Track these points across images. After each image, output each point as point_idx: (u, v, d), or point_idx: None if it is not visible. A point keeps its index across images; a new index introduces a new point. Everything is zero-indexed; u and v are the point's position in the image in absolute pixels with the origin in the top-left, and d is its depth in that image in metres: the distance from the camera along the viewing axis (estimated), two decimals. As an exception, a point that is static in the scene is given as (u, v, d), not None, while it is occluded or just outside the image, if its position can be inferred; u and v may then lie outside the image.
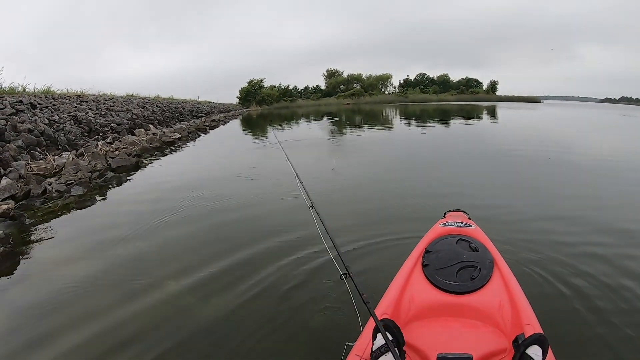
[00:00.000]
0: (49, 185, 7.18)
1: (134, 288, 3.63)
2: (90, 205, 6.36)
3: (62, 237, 5.01)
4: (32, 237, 4.96)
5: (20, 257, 4.29)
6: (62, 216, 5.81)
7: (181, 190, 7.24)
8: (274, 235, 4.80)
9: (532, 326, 1.79)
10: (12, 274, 3.95)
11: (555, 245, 4.23)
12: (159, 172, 9.69)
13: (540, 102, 74.01)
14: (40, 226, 5.34)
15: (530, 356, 1.52)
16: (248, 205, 6.25)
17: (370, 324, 1.88)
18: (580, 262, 3.80)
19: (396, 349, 1.62)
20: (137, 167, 9.87)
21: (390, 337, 1.64)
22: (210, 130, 22.10)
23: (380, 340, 1.66)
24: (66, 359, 2.67)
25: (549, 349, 1.60)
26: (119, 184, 8.11)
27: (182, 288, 3.63)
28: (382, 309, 2.04)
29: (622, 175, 8.11)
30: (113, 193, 7.37)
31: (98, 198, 6.86)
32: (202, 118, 29.82)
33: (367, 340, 1.80)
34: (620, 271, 3.63)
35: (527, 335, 1.60)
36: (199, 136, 18.73)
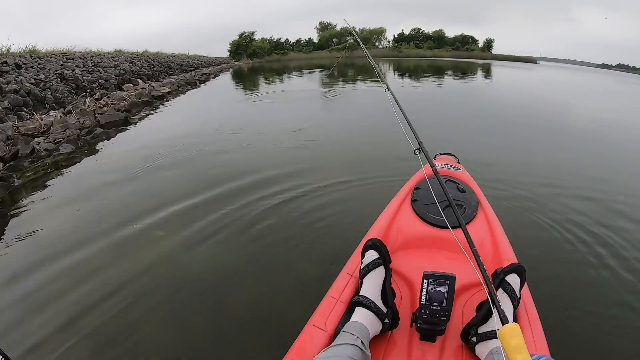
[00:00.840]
0: (37, 144, 7.08)
1: (126, 238, 3.69)
2: (79, 162, 6.30)
3: (52, 194, 4.97)
4: (22, 197, 4.92)
5: (10, 217, 4.26)
6: (52, 174, 5.73)
7: (171, 141, 7.32)
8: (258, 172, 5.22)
9: (511, 262, 1.86)
10: (1, 234, 3.92)
11: (538, 191, 4.56)
12: (149, 125, 9.61)
13: (536, 62, 72.71)
14: (30, 186, 5.30)
15: (508, 283, 1.63)
16: (236, 150, 6.55)
17: (361, 245, 2.01)
18: (561, 207, 4.14)
19: (382, 266, 1.78)
20: (126, 122, 9.72)
21: (377, 255, 1.80)
22: (201, 84, 21.70)
23: (368, 258, 1.82)
24: (57, 311, 2.69)
25: (526, 283, 1.75)
26: (108, 139, 7.99)
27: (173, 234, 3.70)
28: (372, 235, 2.15)
29: (614, 135, 8.39)
30: (102, 148, 7.29)
31: (87, 154, 6.80)
32: (192, 72, 29.22)
33: (357, 260, 1.96)
34: (600, 214, 3.99)
35: None
36: (189, 89, 18.40)
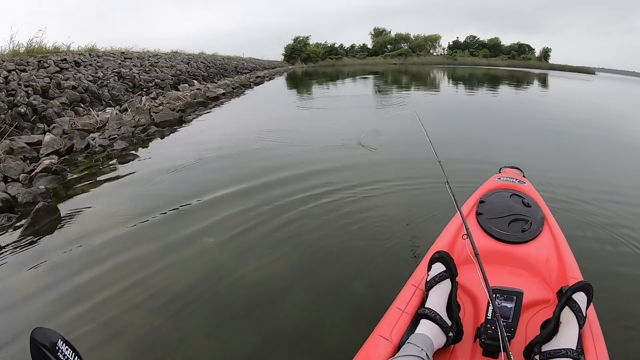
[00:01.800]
0: (92, 140, 7.07)
1: (176, 239, 3.52)
2: (132, 159, 6.21)
3: (103, 189, 4.90)
4: (74, 191, 4.84)
5: (60, 211, 4.12)
6: (104, 170, 5.66)
7: (222, 142, 7.18)
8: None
9: (577, 279, 1.85)
10: (53, 228, 3.81)
11: (606, 205, 4.32)
12: (202, 126, 9.52)
13: (594, 73, 70.56)
14: (83, 180, 5.24)
15: (575, 301, 1.58)
16: (287, 155, 6.29)
17: (427, 256, 2.03)
18: (631, 222, 3.87)
19: (449, 279, 1.78)
20: (180, 121, 9.67)
21: (444, 268, 1.81)
22: (255, 87, 21.90)
23: (434, 271, 1.82)
24: (103, 310, 2.58)
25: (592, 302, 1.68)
26: (162, 137, 7.96)
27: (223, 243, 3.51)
28: (438, 248, 2.14)
29: None
30: (155, 146, 7.24)
31: (140, 151, 6.74)
32: (247, 74, 29.50)
33: (423, 272, 1.97)
34: None
35: None
36: (243, 92, 18.50)
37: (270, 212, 4.00)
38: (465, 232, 2.11)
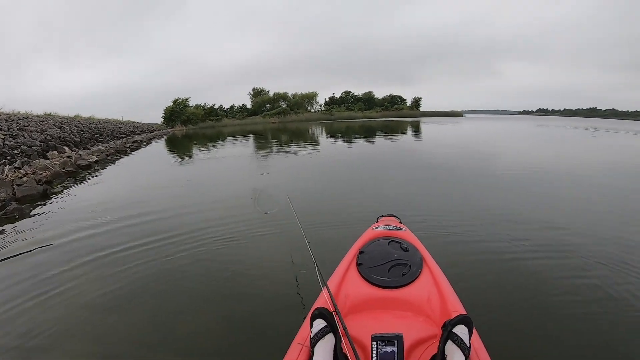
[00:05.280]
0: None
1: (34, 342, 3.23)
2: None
3: None
4: None
5: None
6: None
7: (87, 226, 6.53)
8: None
9: (459, 313, 2.03)
10: None
11: (480, 239, 4.96)
12: (68, 202, 8.68)
13: (462, 116, 79.88)
14: None
15: (456, 334, 1.72)
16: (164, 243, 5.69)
17: (309, 314, 2.08)
18: (503, 257, 4.41)
19: (331, 333, 1.87)
20: (45, 195, 9.19)
21: (325, 323, 1.89)
22: (132, 152, 21.59)
23: (316, 327, 1.91)
24: None
25: (475, 330, 1.86)
26: (21, 217, 7.28)
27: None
28: (320, 305, 2.22)
29: (543, 180, 9.24)
30: (12, 230, 6.50)
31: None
32: (124, 139, 28.81)
33: (307, 330, 2.03)
34: (539, 270, 4.15)
35: None
36: (119, 158, 18.21)
37: (137, 299, 3.91)
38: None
